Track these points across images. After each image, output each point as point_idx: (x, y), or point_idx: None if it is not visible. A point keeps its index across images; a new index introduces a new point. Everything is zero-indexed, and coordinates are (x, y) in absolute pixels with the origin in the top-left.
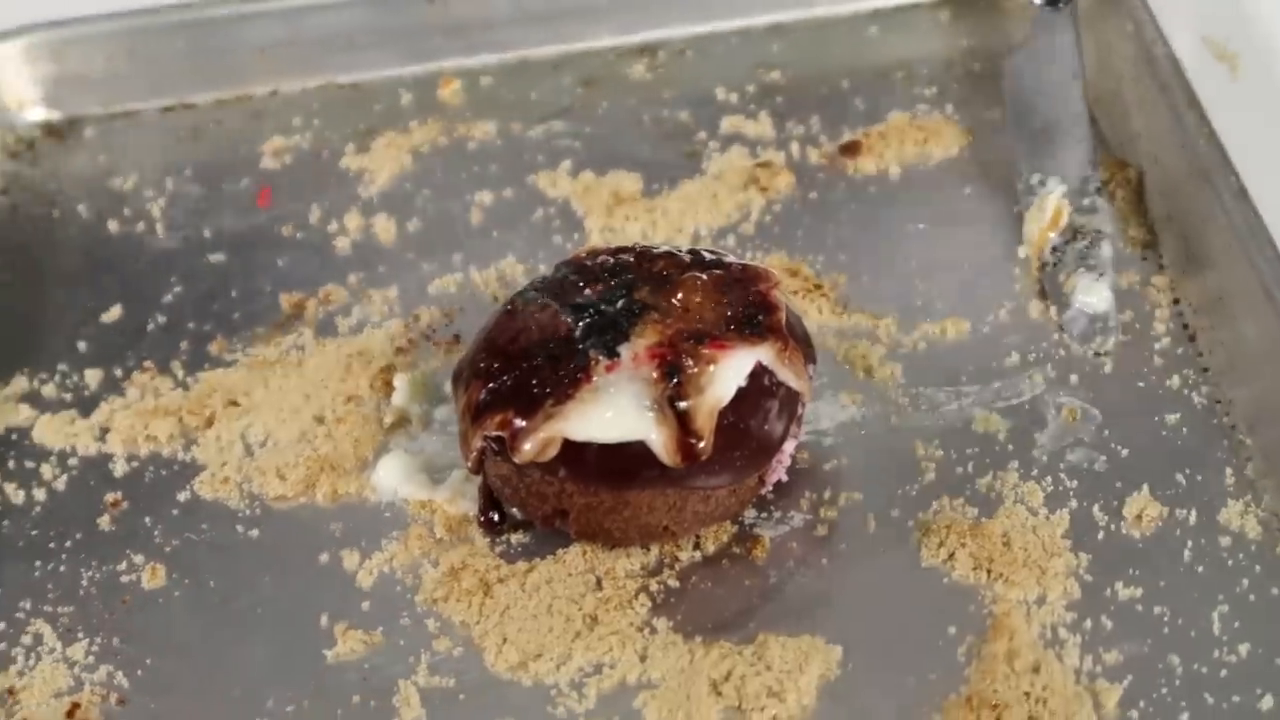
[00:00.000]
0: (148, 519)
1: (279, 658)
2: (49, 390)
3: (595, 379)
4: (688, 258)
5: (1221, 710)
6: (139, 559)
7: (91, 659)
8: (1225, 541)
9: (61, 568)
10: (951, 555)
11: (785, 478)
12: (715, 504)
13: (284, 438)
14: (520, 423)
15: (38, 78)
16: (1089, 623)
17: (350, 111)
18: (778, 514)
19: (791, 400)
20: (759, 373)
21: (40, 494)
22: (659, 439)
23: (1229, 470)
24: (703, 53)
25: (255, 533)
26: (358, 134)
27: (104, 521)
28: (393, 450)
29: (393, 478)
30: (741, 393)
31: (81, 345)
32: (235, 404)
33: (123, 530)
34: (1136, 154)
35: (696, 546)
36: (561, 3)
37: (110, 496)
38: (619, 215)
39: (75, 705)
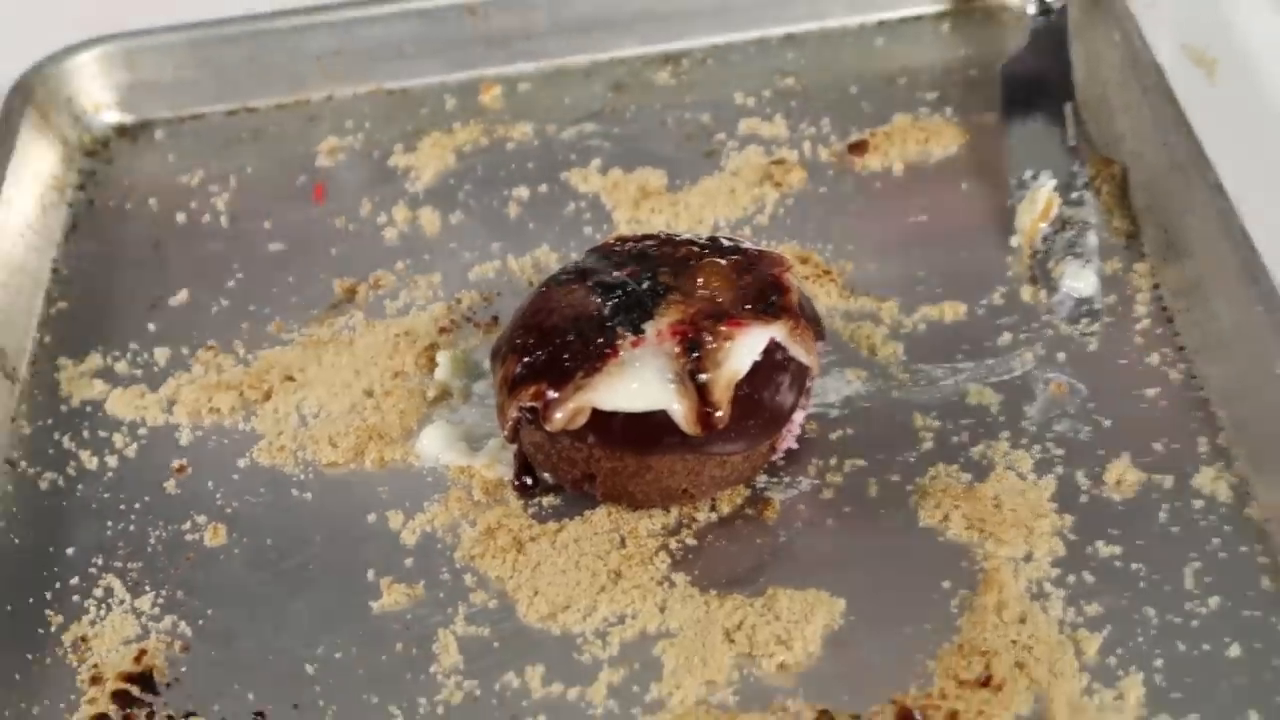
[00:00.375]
0: (210, 483)
1: (329, 609)
2: (121, 367)
3: (622, 354)
4: (708, 244)
5: (1193, 657)
6: (202, 519)
7: (157, 610)
8: (1198, 504)
9: (131, 527)
10: (946, 516)
11: (795, 445)
12: (730, 469)
13: (335, 409)
14: (552, 394)
15: (112, 84)
16: (1072, 578)
17: (398, 114)
18: (787, 478)
19: (801, 374)
20: (772, 349)
21: (112, 460)
22: (680, 409)
23: (1203, 439)
24: (722, 60)
25: (308, 496)
26: (405, 135)
27: (170, 485)
28: (435, 421)
29: (435, 445)
30: (756, 367)
31: (151, 326)
32: (291, 379)
33: (187, 493)
34: (1121, 152)
35: (712, 508)
36: (593, 15)
37: (176, 463)
38: (645, 208)
39: (142, 652)
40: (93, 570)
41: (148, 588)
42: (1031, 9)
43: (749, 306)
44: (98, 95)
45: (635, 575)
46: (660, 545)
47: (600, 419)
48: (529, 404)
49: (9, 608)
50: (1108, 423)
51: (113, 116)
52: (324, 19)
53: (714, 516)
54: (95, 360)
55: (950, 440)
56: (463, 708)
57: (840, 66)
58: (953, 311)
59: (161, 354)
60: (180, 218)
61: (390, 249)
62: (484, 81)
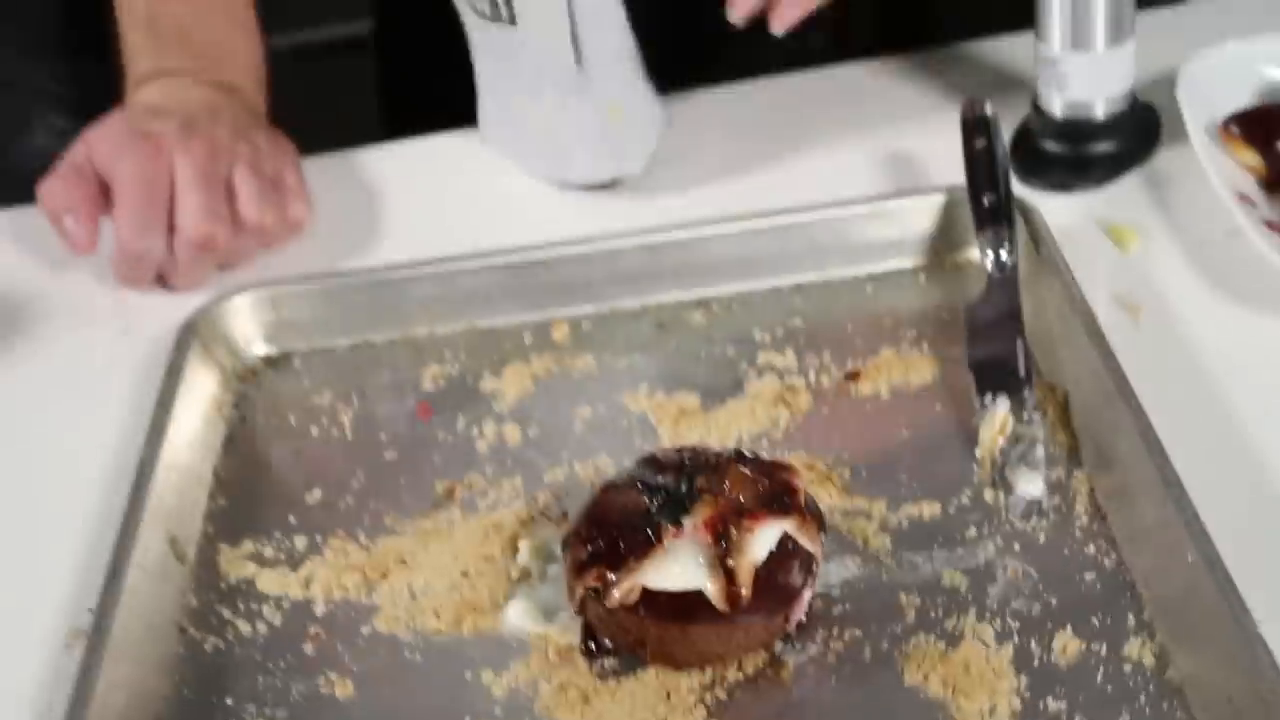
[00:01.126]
0: (340, 646)
1: None
2: (269, 551)
3: (666, 543)
4: (733, 455)
5: None
6: (333, 675)
7: None
8: (1127, 668)
9: (278, 681)
10: (926, 677)
11: (804, 618)
12: (753, 637)
13: (439, 586)
14: (611, 576)
15: (261, 321)
16: None
17: (487, 347)
18: (798, 645)
19: (809, 561)
20: (785, 540)
21: (262, 627)
22: (712, 588)
23: (1130, 615)
24: (744, 305)
25: (418, 657)
26: (493, 364)
27: (308, 648)
28: (518, 596)
29: (518, 616)
30: (772, 555)
31: (292, 518)
32: (404, 563)
33: (321, 655)
34: (1063, 379)
35: (739, 668)
36: (640, 268)
37: (313, 630)
38: (683, 425)
39: None
40: (246, 717)
41: None
42: (989, 266)
43: (766, 505)
44: (249, 331)
45: None
46: (698, 699)
47: (649, 596)
48: (593, 584)
49: None
50: (1054, 601)
51: (261, 349)
52: (428, 271)
53: (740, 675)
54: (248, 546)
55: (929, 615)
56: None
57: (838, 310)
58: (930, 510)
59: (300, 541)
60: (314, 430)
61: (481, 457)
62: (555, 321)
